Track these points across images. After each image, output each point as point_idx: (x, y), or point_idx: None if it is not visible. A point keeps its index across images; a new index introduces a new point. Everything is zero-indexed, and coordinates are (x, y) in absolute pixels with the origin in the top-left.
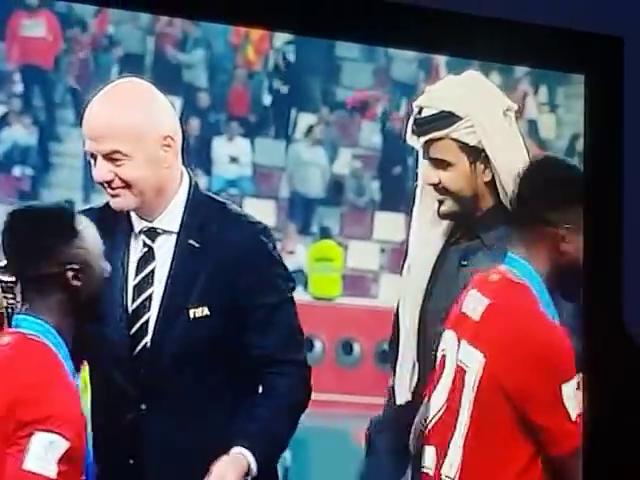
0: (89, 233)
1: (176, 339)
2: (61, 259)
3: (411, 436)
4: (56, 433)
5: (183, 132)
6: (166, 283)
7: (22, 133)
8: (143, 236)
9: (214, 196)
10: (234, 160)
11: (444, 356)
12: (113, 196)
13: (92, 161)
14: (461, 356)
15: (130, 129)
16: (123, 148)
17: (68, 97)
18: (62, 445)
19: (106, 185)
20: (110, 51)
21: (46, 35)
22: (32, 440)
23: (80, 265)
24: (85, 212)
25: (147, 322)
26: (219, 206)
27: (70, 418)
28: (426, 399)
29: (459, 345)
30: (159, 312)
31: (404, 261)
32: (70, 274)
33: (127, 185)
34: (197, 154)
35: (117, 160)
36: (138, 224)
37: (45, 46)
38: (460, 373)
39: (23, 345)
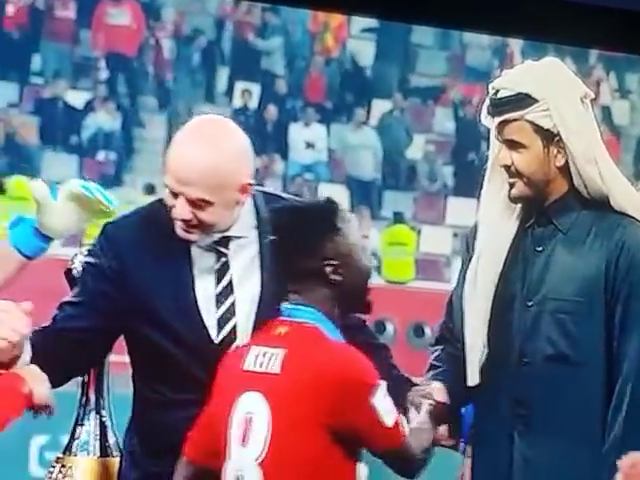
0: (352, 227)
1: None
2: (321, 254)
3: None
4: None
5: (261, 119)
6: (261, 284)
7: (106, 119)
8: (216, 246)
9: (263, 189)
10: (310, 146)
11: None
12: (185, 230)
13: (172, 196)
14: None
15: (216, 178)
16: (209, 197)
17: (151, 84)
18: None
19: (181, 221)
20: (190, 38)
21: (130, 24)
22: (377, 400)
23: (340, 260)
24: (131, 216)
25: (235, 327)
26: (273, 197)
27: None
28: None
29: None
30: (257, 312)
31: (474, 246)
32: (329, 269)
33: (202, 224)
34: (274, 140)
35: (200, 206)
36: (202, 238)
37: (129, 34)
38: None
39: (301, 333)
